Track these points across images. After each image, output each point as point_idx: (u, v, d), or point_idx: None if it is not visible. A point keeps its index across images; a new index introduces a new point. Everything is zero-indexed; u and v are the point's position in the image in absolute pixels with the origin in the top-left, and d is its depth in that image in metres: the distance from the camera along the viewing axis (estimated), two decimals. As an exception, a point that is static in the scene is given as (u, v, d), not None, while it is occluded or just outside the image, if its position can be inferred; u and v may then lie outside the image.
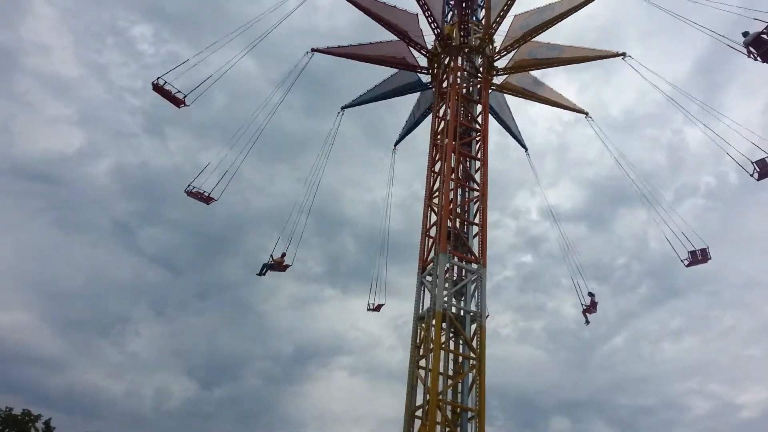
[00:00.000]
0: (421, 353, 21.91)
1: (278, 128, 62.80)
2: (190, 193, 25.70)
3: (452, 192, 24.21)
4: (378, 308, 30.46)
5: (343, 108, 30.99)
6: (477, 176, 25.61)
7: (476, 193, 25.15)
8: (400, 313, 63.22)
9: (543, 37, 27.33)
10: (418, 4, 26.52)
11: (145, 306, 65.01)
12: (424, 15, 26.61)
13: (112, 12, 68.79)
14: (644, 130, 67.31)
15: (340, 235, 70.70)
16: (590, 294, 28.30)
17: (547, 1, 26.94)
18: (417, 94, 30.96)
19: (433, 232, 24.21)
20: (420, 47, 27.53)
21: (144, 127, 67.62)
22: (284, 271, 26.88)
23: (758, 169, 21.43)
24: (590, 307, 28.08)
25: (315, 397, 64.67)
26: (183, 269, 68.50)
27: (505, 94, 30.18)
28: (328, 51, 28.75)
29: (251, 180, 67.21)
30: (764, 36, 19.49)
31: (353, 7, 26.72)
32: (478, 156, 25.74)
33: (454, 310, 22.63)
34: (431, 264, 23.36)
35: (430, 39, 27.61)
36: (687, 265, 24.36)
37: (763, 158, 21.41)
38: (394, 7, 27.50)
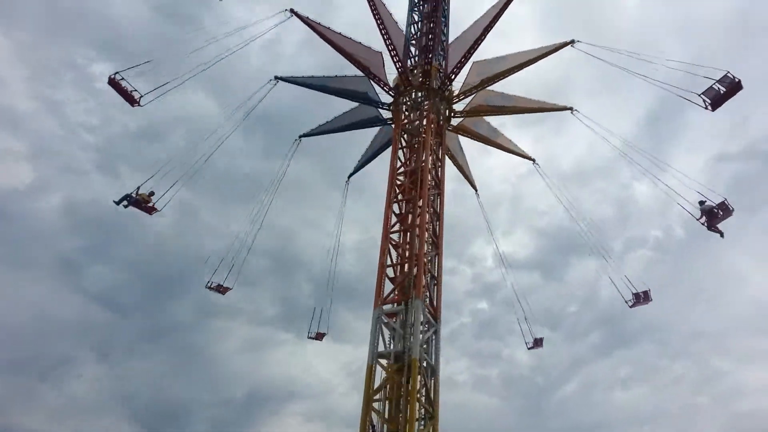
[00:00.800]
0: (378, 396, 21.37)
1: (236, 169, 64.12)
2: (129, 202, 24.26)
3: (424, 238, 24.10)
4: (319, 337, 30.28)
5: (300, 137, 31.50)
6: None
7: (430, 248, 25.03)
8: (354, 357, 62.36)
9: (498, 87, 29.06)
10: (384, 43, 27.79)
11: (88, 347, 61.99)
12: (389, 53, 27.81)
13: (71, 48, 67.71)
14: (594, 183, 70.19)
15: (295, 277, 69.88)
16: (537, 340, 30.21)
17: (504, 52, 28.79)
18: (375, 130, 31.94)
19: (391, 271, 24.26)
20: (383, 83, 28.52)
21: (97, 164, 66.23)
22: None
23: (706, 216, 22.67)
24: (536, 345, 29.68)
25: (267, 445, 62.52)
26: (130, 310, 65.99)
27: (460, 138, 31.58)
28: (291, 80, 29.39)
29: (206, 220, 67.08)
30: (715, 210, 22.27)
31: (314, 53, 28.06)
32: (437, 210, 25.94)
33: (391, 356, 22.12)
34: (390, 305, 23.29)
35: (392, 77, 28.83)
36: (631, 306, 25.83)
37: (708, 204, 22.58)
38: (360, 43, 28.66)
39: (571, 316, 66.74)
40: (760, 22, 63.74)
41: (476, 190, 33.34)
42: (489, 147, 31.79)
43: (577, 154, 72.49)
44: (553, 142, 70.32)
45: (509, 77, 28.59)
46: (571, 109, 28.82)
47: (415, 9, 29.25)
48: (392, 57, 27.68)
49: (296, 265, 67.16)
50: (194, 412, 62.61)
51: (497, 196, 67.07)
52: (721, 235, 22.96)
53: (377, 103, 29.25)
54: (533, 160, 31.57)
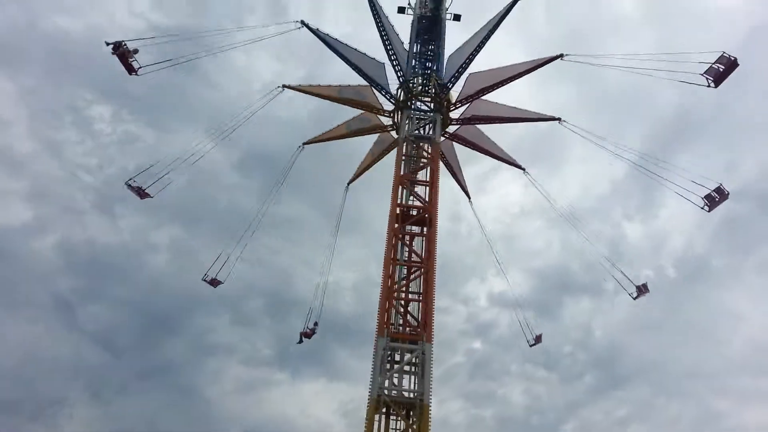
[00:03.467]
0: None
1: (236, 209, 63.56)
2: (130, 187, 26.81)
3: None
4: (311, 334, 31.48)
5: (303, 144, 33.10)
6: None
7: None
8: (351, 397, 62.04)
9: (492, 97, 31.30)
10: (387, 55, 30.03)
11: (81, 387, 61.61)
12: (391, 64, 30.03)
13: (72, 91, 69.37)
14: (587, 224, 72.57)
15: (290, 316, 69.79)
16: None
17: (498, 64, 31.12)
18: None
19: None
20: (385, 92, 30.57)
21: (94, 204, 67.25)
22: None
23: (708, 203, 25.17)
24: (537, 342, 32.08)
25: (261, 489, 61.83)
26: (124, 349, 65.85)
27: (455, 146, 33.64)
28: (298, 88, 31.23)
29: (201, 259, 66.65)
30: (713, 194, 25.14)
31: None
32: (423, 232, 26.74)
33: (395, 393, 22.80)
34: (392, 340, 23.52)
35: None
36: (635, 298, 28.50)
37: (710, 193, 25.14)
38: (365, 54, 30.81)
39: (566, 357, 67.17)
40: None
41: (469, 198, 35.23)
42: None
43: (570, 196, 75.23)
44: (545, 183, 72.45)
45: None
46: (559, 119, 31.10)
47: (419, 27, 31.56)
48: (394, 67, 29.88)
49: (292, 304, 66.24)
50: (188, 454, 61.77)
51: (491, 235, 68.88)
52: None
53: (379, 111, 31.21)
54: (523, 169, 33.63)
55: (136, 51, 24.53)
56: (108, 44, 24.25)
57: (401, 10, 32.64)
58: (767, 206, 66.00)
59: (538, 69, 30.07)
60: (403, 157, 28.42)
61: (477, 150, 33.11)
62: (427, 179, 28.27)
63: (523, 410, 64.76)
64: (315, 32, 30.08)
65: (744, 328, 64.46)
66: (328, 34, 30.15)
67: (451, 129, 32.07)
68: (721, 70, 23.18)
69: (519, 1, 28.73)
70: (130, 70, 24.92)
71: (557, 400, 63.71)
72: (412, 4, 32.74)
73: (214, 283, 29.71)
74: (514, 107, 31.80)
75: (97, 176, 66.95)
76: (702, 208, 25.90)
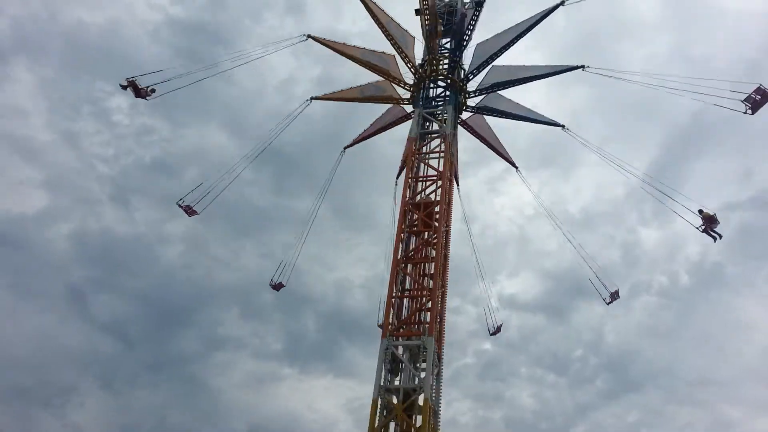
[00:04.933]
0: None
1: (248, 202, 66.34)
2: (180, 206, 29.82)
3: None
4: (278, 287, 32.25)
5: (345, 148, 34.45)
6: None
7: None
8: (358, 395, 62.09)
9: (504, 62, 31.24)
10: (393, 47, 31.36)
11: (92, 376, 62.21)
12: (399, 55, 31.25)
13: (91, 83, 70.57)
14: (601, 228, 70.15)
15: (301, 312, 70.43)
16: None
17: (501, 28, 31.16)
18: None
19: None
20: (400, 82, 31.85)
21: (110, 195, 68.45)
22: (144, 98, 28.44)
23: (750, 105, 23.90)
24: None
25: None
26: (136, 340, 66.59)
27: (487, 118, 33.65)
28: (322, 41, 32.49)
29: (216, 253, 69.58)
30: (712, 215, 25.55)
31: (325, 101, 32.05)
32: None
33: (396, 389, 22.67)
34: (399, 338, 23.84)
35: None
36: (608, 303, 28.86)
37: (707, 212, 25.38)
38: (374, 51, 32.42)
39: (577, 361, 65.77)
40: None
41: (516, 167, 34.60)
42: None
43: (584, 197, 73.53)
44: (560, 187, 72.27)
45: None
46: (563, 126, 30.75)
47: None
48: (402, 57, 31.11)
49: (303, 301, 67.71)
50: (196, 445, 62.91)
51: (504, 236, 69.01)
52: (715, 239, 26.31)
53: (400, 101, 32.56)
54: (516, 167, 33.27)
55: (153, 90, 27.88)
56: (123, 87, 27.69)
57: (418, 12, 32.00)
58: None
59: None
60: (413, 157, 28.59)
61: (479, 140, 33.22)
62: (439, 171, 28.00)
63: (532, 414, 63.16)
64: (322, 42, 32.22)
65: (757, 336, 61.97)
66: (334, 41, 32.21)
67: (465, 116, 32.47)
68: (758, 99, 23.71)
69: (559, 7, 28.96)
70: (141, 95, 27.91)
71: (566, 404, 62.01)
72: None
73: (190, 212, 30.26)
74: (527, 108, 31.67)
75: (114, 167, 67.60)
76: (745, 113, 24.24)
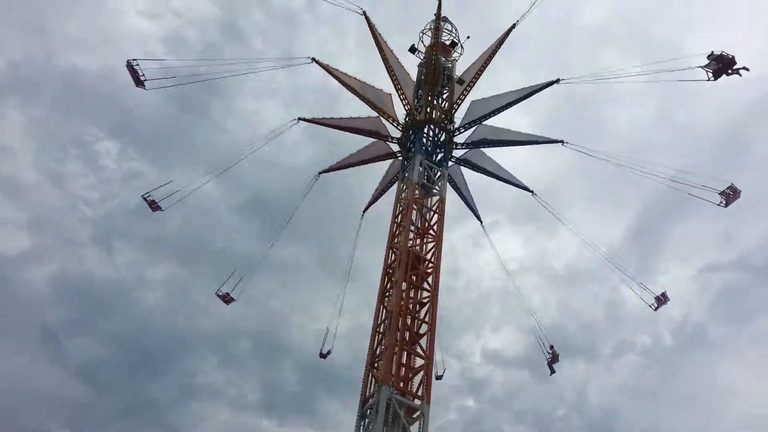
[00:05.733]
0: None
1: (231, 249, 64.78)
2: (145, 200, 29.87)
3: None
4: (226, 298, 31.55)
5: (319, 173, 34.91)
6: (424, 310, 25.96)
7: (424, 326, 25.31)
8: None
9: (494, 122, 32.72)
10: (394, 86, 32.01)
11: (63, 420, 60.10)
12: (398, 94, 31.94)
13: (81, 127, 70.68)
14: (585, 285, 70.69)
15: (280, 362, 69.34)
16: (551, 347, 32.20)
17: (499, 91, 32.69)
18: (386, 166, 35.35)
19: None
20: (392, 120, 32.44)
21: (93, 238, 67.47)
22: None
23: (724, 199, 26.72)
24: (553, 359, 31.79)
25: None
26: (109, 385, 64.74)
27: (463, 170, 34.91)
28: (313, 120, 33.40)
29: (196, 299, 66.50)
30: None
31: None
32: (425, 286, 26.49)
33: None
34: (372, 398, 22.93)
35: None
36: (655, 309, 30.75)
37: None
38: (373, 86, 32.92)
39: (560, 420, 65.71)
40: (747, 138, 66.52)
41: (481, 222, 36.06)
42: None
43: (568, 255, 72.67)
44: (544, 244, 73.23)
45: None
46: (562, 141, 32.07)
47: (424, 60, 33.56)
48: (400, 96, 31.78)
49: (282, 350, 66.94)
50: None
51: (488, 291, 68.10)
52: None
53: (388, 138, 33.02)
54: (532, 192, 34.19)
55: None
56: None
57: (413, 49, 33.94)
58: (764, 277, 64.74)
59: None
60: (415, 206, 28.59)
61: (484, 173, 34.18)
62: (432, 228, 28.31)
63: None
64: (325, 67, 32.41)
65: (737, 400, 62.70)
66: (336, 68, 32.45)
67: (458, 153, 33.52)
68: (731, 195, 26.56)
69: (512, 31, 30.46)
70: (138, 82, 27.83)
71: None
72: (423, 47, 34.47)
73: (227, 299, 31.16)
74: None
75: (98, 210, 66.95)
76: (719, 204, 27.18)
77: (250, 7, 73.50)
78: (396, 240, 27.47)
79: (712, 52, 24.91)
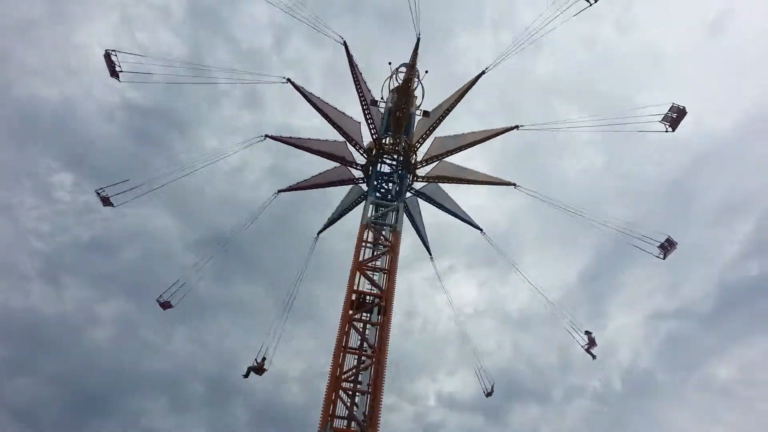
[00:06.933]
0: None
1: (186, 286, 64.37)
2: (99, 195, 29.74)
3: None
4: (165, 306, 31.34)
5: (279, 191, 35.27)
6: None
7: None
8: None
9: (455, 159, 34.68)
10: (364, 115, 33.33)
11: None
12: (366, 123, 33.26)
13: (36, 157, 69.49)
14: (538, 329, 71.88)
15: (232, 406, 67.72)
16: (587, 332, 31.28)
17: (462, 130, 34.78)
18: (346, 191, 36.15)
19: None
20: (359, 146, 33.60)
21: (40, 272, 65.79)
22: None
23: (662, 251, 28.29)
24: (591, 344, 31.01)
25: None
26: (48, 428, 62.32)
27: (420, 202, 36.28)
28: (280, 138, 33.91)
29: (146, 338, 66.22)
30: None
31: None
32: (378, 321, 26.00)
33: None
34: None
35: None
36: (663, 258, 29.23)
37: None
38: (343, 113, 34.08)
39: None
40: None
41: (431, 255, 37.38)
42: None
43: (522, 298, 74.36)
44: (498, 287, 75.46)
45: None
46: (515, 184, 34.11)
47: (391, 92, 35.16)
48: (368, 125, 33.10)
49: (234, 392, 64.78)
50: None
51: (444, 334, 68.97)
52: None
53: (353, 164, 34.09)
54: (481, 230, 35.46)
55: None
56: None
57: (374, 103, 33.97)
58: (708, 325, 68.45)
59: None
60: (364, 243, 28.45)
61: (439, 207, 35.54)
62: (386, 267, 27.94)
63: None
64: (279, 139, 33.55)
65: None
66: (311, 92, 33.40)
67: (417, 186, 35.01)
68: (675, 117, 27.45)
69: (481, 78, 32.67)
70: (113, 72, 27.66)
71: None
72: (385, 99, 34.98)
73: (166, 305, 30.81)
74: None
75: (49, 243, 65.45)
76: (658, 257, 28.80)
77: (216, 46, 74.04)
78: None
79: (673, 104, 27.16)
